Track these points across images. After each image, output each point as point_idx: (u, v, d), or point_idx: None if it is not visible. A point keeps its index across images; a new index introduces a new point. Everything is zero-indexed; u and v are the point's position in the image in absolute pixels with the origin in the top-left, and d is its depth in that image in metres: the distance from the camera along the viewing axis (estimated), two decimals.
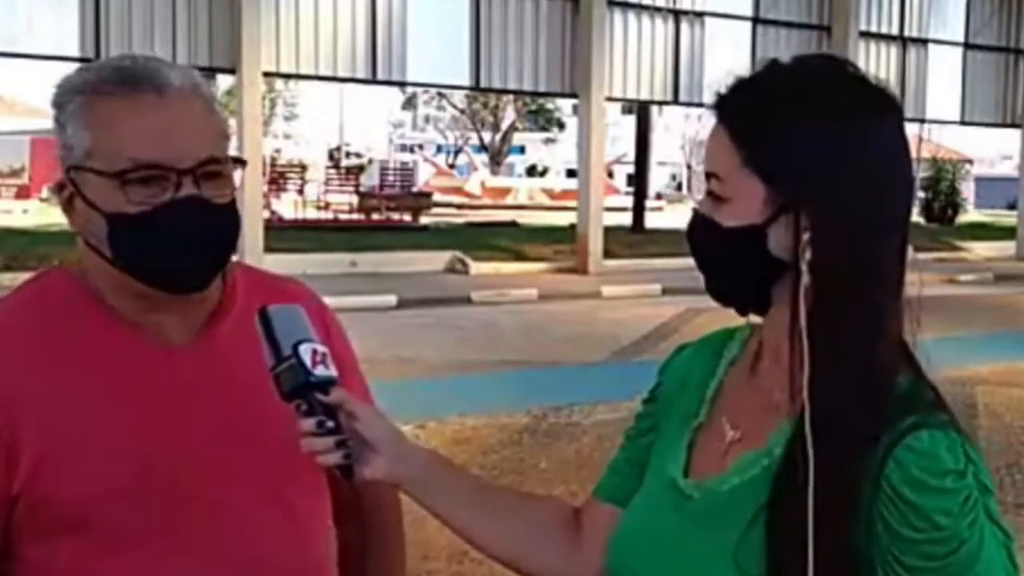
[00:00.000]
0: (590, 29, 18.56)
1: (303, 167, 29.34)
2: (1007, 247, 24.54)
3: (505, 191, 44.01)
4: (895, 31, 22.57)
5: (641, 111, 28.98)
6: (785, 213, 1.16)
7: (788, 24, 21.04)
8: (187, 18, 15.58)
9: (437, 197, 34.59)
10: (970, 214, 36.13)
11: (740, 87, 1.21)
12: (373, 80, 17.89)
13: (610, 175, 41.01)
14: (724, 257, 1.21)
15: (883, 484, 1.11)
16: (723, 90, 1.21)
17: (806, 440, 1.12)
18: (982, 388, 9.20)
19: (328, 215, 25.96)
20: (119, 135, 1.35)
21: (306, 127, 59.98)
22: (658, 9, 19.88)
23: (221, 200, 1.39)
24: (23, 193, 38.68)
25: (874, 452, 1.11)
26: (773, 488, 1.15)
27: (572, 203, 21.73)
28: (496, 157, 54.71)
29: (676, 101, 20.92)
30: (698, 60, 20.24)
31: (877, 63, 21.72)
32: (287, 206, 25.55)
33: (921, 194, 31.53)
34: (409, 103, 64.08)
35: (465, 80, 18.94)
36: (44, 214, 29.16)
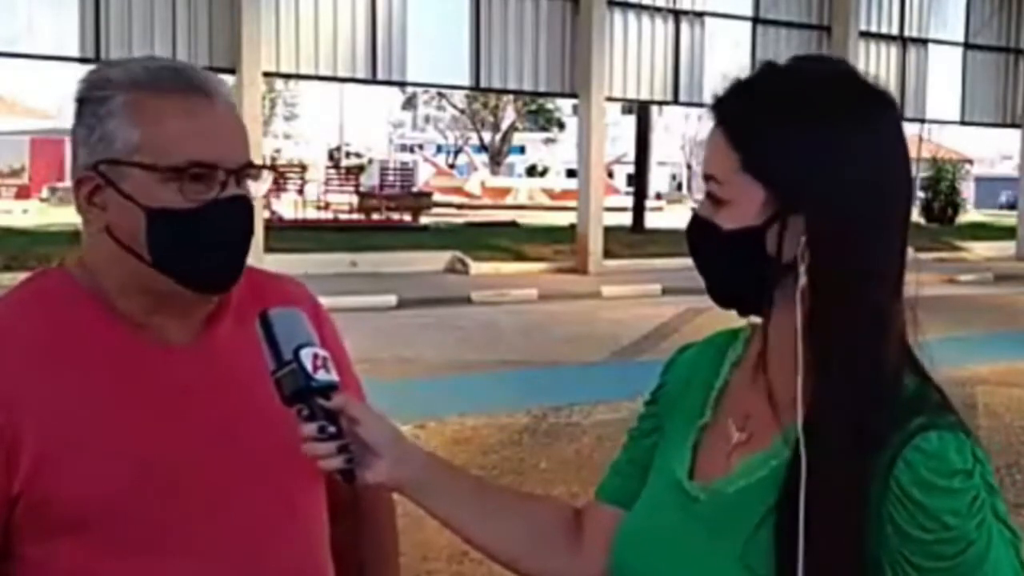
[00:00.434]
0: (590, 29, 18.56)
1: (303, 167, 29.35)
2: (1007, 247, 24.55)
3: (505, 191, 44.03)
4: (895, 31, 22.57)
5: (641, 111, 28.99)
6: (783, 215, 1.16)
7: (788, 24, 21.04)
8: (187, 18, 15.58)
9: (437, 197, 34.61)
10: (970, 214, 36.13)
11: (737, 90, 1.21)
12: (373, 80, 17.89)
13: (610, 175, 41.02)
14: (723, 260, 1.21)
15: (892, 485, 1.10)
16: (720, 93, 1.22)
17: (806, 441, 1.12)
18: (982, 388, 9.20)
19: (328, 215, 25.98)
20: (174, 132, 1.37)
21: (306, 127, 60.04)
22: (658, 9, 19.88)
23: (253, 203, 1.44)
24: (23, 193, 38.72)
25: (882, 453, 1.11)
26: (782, 490, 1.15)
27: (572, 203, 21.74)
28: (496, 157, 54.73)
29: (676, 101, 20.92)
30: (698, 60, 20.24)
31: (877, 63, 21.72)
32: (287, 206, 25.56)
33: (921, 194, 31.55)
34: (409, 103, 64.11)
35: (465, 80, 18.95)
36: (44, 214, 29.18)
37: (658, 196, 49.88)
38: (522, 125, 60.07)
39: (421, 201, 28.87)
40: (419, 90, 50.28)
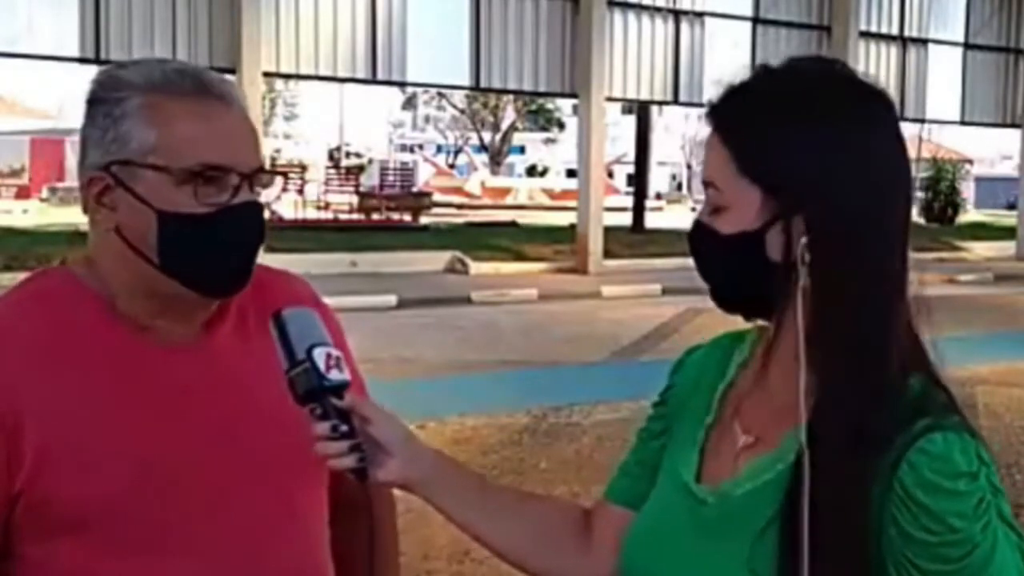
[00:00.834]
0: (590, 29, 18.56)
1: (303, 167, 29.35)
2: (1007, 247, 24.55)
3: (505, 191, 44.03)
4: (895, 31, 22.57)
5: (641, 111, 29.00)
6: (781, 218, 1.16)
7: (788, 24, 21.04)
8: (187, 18, 15.59)
9: (437, 197, 34.62)
10: (970, 214, 36.13)
11: (731, 95, 1.21)
12: (373, 80, 17.89)
13: (610, 175, 41.02)
14: (725, 264, 1.21)
15: (896, 487, 1.10)
16: (715, 99, 1.21)
17: (809, 444, 1.12)
18: (982, 388, 9.20)
19: (328, 215, 25.98)
20: (189, 135, 1.37)
21: (306, 127, 60.03)
22: (658, 9, 19.88)
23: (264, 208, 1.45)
24: (23, 193, 38.71)
25: (887, 455, 1.11)
26: (786, 494, 1.15)
27: (572, 203, 21.75)
28: (496, 157, 54.72)
29: (676, 101, 20.92)
30: (698, 60, 20.24)
31: (877, 63, 21.73)
32: (287, 206, 25.56)
33: (921, 194, 31.53)
34: (409, 103, 64.11)
35: (465, 80, 18.95)
36: (44, 214, 29.18)
37: (658, 196, 49.91)
38: (522, 125, 60.07)
39: (421, 201, 28.88)
40: (419, 90, 50.29)
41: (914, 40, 22.86)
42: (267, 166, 1.48)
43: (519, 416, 8.10)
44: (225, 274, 1.42)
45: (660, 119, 48.15)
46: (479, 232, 24.41)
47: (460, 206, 37.57)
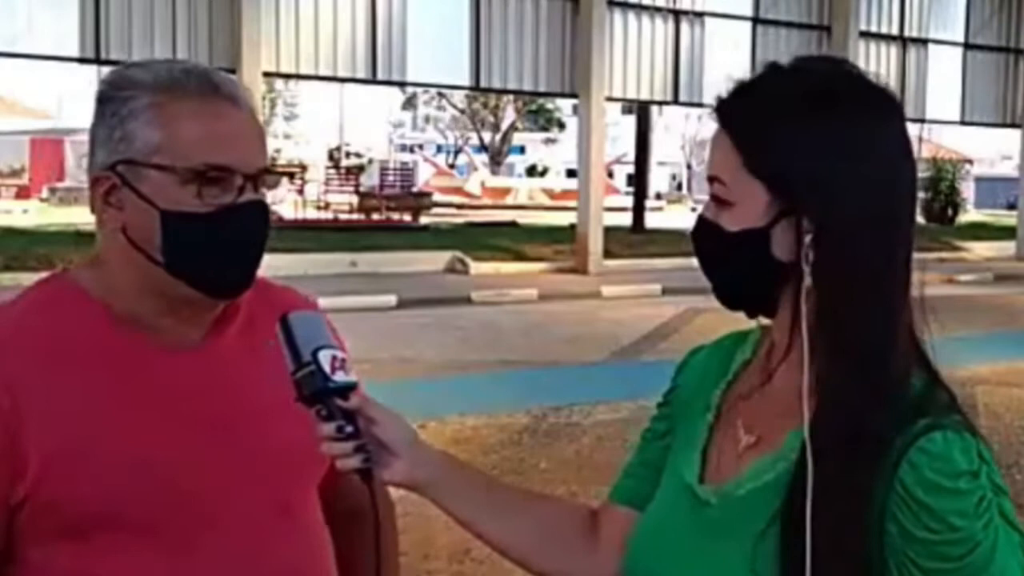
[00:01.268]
0: (590, 29, 18.57)
1: (303, 167, 29.36)
2: (1007, 247, 24.55)
3: (505, 191, 44.03)
4: (895, 31, 22.58)
5: (641, 111, 28.99)
6: (787, 216, 1.16)
7: (788, 24, 21.05)
8: (187, 18, 15.59)
9: (437, 197, 34.63)
10: (970, 214, 36.13)
11: (741, 91, 1.21)
12: (373, 80, 17.90)
13: (610, 175, 41.01)
14: (729, 261, 1.21)
15: (897, 486, 1.10)
16: (724, 94, 1.22)
17: (812, 444, 1.13)
18: (982, 388, 9.20)
19: (328, 215, 25.99)
20: (194, 135, 1.37)
21: (306, 127, 59.96)
22: (658, 9, 19.89)
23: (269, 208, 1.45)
24: (23, 193, 38.72)
25: (888, 454, 1.11)
26: (787, 493, 1.15)
27: (572, 203, 21.75)
28: (496, 157, 54.70)
29: (676, 101, 20.92)
30: (698, 60, 20.25)
31: (877, 63, 21.72)
32: (287, 206, 25.56)
33: (921, 194, 31.49)
34: (409, 103, 64.07)
35: (465, 80, 18.95)
36: (44, 214, 29.19)
37: (658, 196, 49.92)
38: (522, 125, 60.05)
39: (421, 201, 28.89)
40: (419, 90, 50.28)
41: (914, 40, 22.86)
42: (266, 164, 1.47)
43: (519, 416, 8.10)
44: (229, 274, 1.42)
45: (660, 119, 48.13)
46: (479, 232, 24.41)
47: (460, 206, 37.58)
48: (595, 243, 18.80)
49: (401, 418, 1.31)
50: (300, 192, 26.65)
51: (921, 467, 1.09)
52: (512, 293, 15.57)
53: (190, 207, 1.37)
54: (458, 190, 43.13)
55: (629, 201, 29.60)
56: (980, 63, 23.84)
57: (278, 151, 42.93)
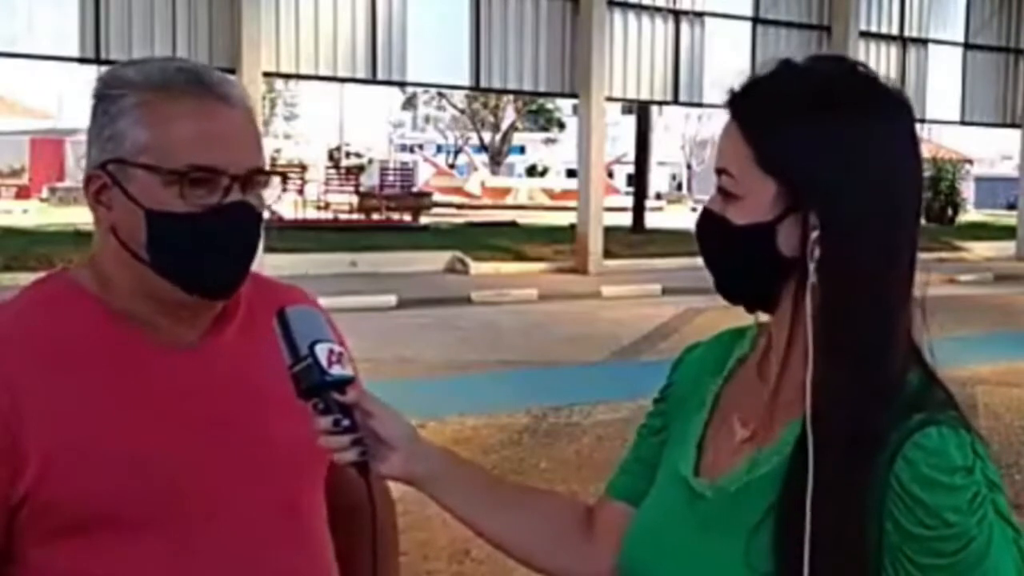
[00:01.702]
0: (590, 29, 18.57)
1: (303, 167, 29.36)
2: (1007, 247, 24.56)
3: (505, 191, 44.04)
4: (895, 31, 22.59)
5: (641, 111, 29.01)
6: (794, 211, 1.16)
7: (788, 24, 21.06)
8: (187, 18, 15.59)
9: (437, 197, 34.65)
10: (970, 214, 36.14)
11: (753, 85, 1.22)
12: (373, 80, 17.90)
13: (610, 175, 41.02)
14: (733, 255, 1.21)
15: (892, 482, 1.11)
16: (736, 88, 1.23)
17: (810, 440, 1.13)
18: (982, 388, 9.20)
19: (328, 215, 25.99)
20: (182, 135, 1.36)
21: (306, 127, 59.97)
22: (658, 9, 19.89)
23: (258, 209, 1.42)
24: (23, 193, 38.71)
25: (883, 450, 1.11)
26: (783, 487, 1.15)
27: (572, 203, 21.75)
28: (496, 157, 54.71)
29: (676, 101, 20.94)
30: (698, 60, 20.25)
31: (877, 63, 21.70)
32: (287, 206, 25.56)
33: None
34: (409, 103, 64.08)
35: (465, 80, 18.96)
36: (44, 214, 29.19)
37: (658, 196, 49.94)
38: (522, 125, 60.06)
39: (421, 201, 28.90)
40: (419, 90, 50.29)
41: (914, 40, 22.87)
42: (268, 167, 1.47)
43: (519, 416, 8.10)
44: (214, 275, 1.40)
45: (660, 119, 48.14)
46: (479, 232, 24.42)
47: (460, 206, 37.59)
48: (595, 243, 18.80)
49: (399, 414, 1.31)
50: (300, 192, 26.65)
51: (917, 463, 1.10)
52: (512, 293, 15.58)
53: (174, 207, 1.36)
54: (458, 190, 43.13)
55: (629, 201, 29.61)
56: (980, 63, 23.85)
57: (278, 151, 42.91)
